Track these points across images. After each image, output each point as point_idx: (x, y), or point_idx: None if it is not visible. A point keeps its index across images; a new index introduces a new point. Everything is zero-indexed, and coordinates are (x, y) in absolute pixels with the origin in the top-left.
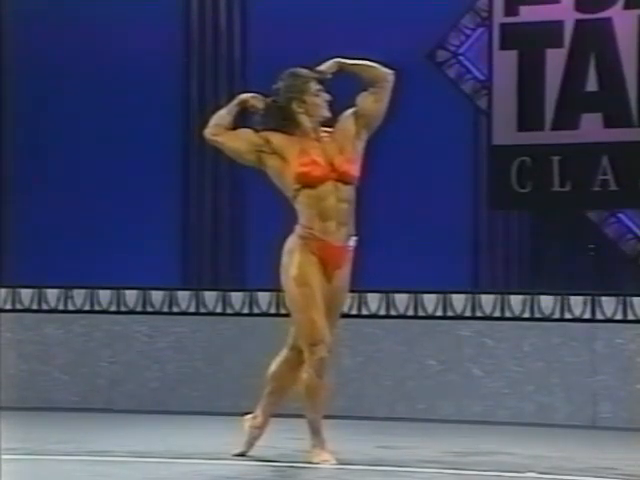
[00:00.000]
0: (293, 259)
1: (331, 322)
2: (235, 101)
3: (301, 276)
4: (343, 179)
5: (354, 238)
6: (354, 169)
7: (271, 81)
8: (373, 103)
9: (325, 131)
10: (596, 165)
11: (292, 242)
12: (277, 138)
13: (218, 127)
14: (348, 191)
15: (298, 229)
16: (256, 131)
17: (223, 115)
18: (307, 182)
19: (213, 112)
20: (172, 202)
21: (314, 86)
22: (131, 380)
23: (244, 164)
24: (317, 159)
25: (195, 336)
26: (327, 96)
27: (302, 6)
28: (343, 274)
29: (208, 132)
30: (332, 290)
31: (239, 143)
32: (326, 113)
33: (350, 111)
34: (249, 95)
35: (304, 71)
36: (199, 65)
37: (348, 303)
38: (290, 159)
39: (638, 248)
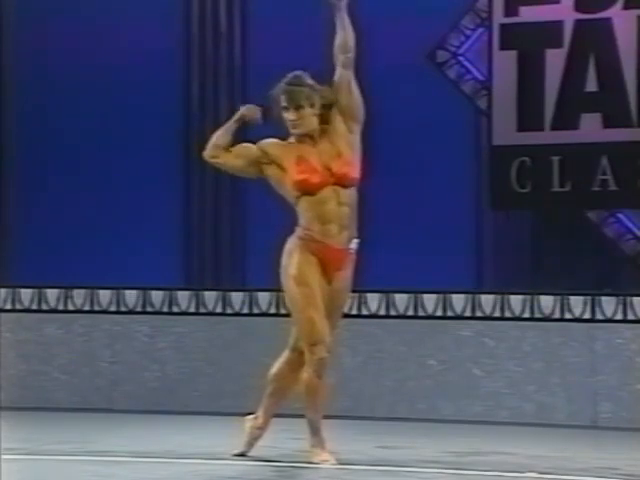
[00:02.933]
0: (292, 260)
1: (332, 323)
2: (234, 117)
3: (300, 276)
4: (342, 183)
5: (356, 241)
6: (353, 171)
7: (271, 82)
8: (346, 95)
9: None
10: (596, 165)
11: (292, 243)
12: (274, 148)
13: (216, 148)
14: (348, 194)
15: (298, 231)
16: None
17: (221, 135)
18: (306, 189)
19: (213, 112)
20: (172, 202)
21: (283, 101)
22: (131, 380)
23: (247, 177)
24: (314, 165)
25: (195, 336)
26: (292, 115)
27: (302, 7)
28: (344, 276)
29: (207, 154)
30: (332, 291)
31: (238, 160)
32: (293, 131)
33: (335, 109)
34: (244, 108)
35: (281, 84)
36: (199, 65)
37: (348, 303)
38: (288, 167)
39: (638, 248)
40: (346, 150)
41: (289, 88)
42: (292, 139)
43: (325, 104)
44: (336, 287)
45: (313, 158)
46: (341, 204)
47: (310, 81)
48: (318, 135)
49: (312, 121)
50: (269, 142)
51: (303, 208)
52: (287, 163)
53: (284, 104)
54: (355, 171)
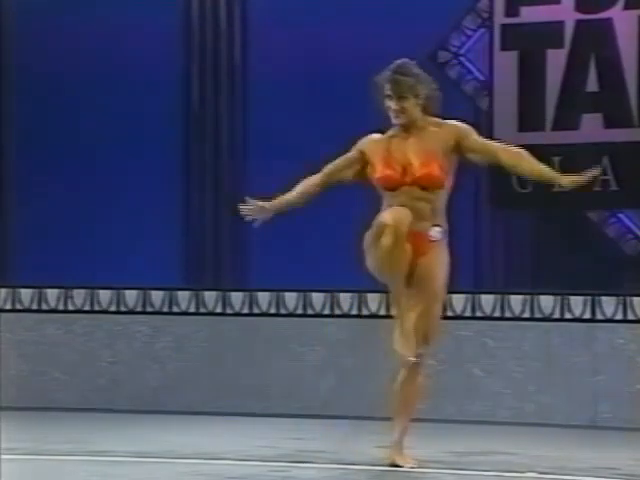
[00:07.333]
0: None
1: (422, 307)
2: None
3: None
4: (419, 183)
5: (437, 229)
6: (434, 173)
7: (271, 81)
8: (477, 149)
9: (431, 123)
10: (596, 165)
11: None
12: (369, 146)
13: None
14: (426, 194)
15: None
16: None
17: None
18: (385, 187)
19: (213, 112)
20: (172, 202)
21: (387, 90)
22: (131, 380)
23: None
24: (396, 163)
25: (195, 336)
26: (395, 104)
27: (302, 7)
28: (425, 262)
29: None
30: (415, 279)
31: (346, 172)
32: (394, 120)
33: (458, 131)
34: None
35: (387, 71)
36: (199, 66)
37: (348, 303)
38: (376, 164)
39: (638, 248)
40: (436, 153)
41: (394, 77)
42: (391, 131)
43: (429, 95)
44: (417, 274)
45: (399, 154)
46: (416, 199)
47: (416, 70)
48: (417, 127)
49: (414, 111)
50: (366, 140)
51: (385, 202)
52: (376, 159)
53: (388, 92)
54: (437, 173)
